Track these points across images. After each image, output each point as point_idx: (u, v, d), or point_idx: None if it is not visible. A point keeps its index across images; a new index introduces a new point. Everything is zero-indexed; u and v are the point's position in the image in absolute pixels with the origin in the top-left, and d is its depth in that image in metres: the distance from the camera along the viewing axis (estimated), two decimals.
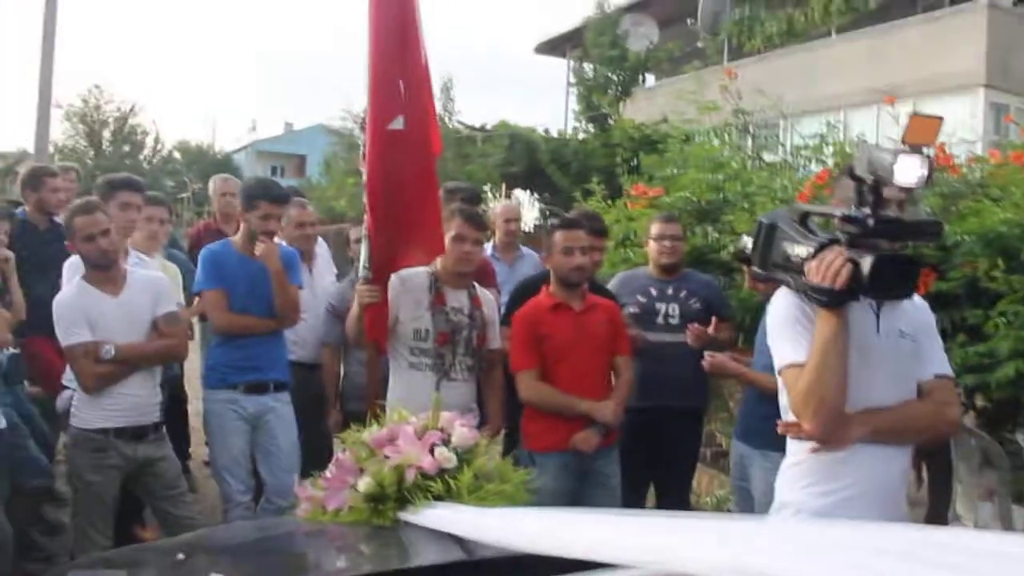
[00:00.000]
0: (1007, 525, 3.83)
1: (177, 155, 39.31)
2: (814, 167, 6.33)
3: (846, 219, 2.24)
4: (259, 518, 4.21)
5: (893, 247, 2.28)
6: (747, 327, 4.87)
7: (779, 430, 2.42)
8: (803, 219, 2.44)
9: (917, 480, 4.34)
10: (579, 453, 4.03)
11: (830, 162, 5.99)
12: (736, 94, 6.88)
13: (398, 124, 3.84)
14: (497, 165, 15.34)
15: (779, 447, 3.64)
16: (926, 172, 2.13)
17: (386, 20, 3.83)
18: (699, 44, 18.75)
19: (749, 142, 7.15)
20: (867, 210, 2.21)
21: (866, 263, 2.17)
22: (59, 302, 3.97)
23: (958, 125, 7.26)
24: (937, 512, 4.15)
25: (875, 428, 2.34)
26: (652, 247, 4.83)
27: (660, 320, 4.68)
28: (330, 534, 2.68)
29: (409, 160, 3.89)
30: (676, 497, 4.73)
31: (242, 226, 4.54)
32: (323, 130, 29.12)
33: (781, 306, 2.45)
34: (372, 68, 3.86)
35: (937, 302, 3.46)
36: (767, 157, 7.03)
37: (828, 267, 2.18)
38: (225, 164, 37.38)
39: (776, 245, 2.43)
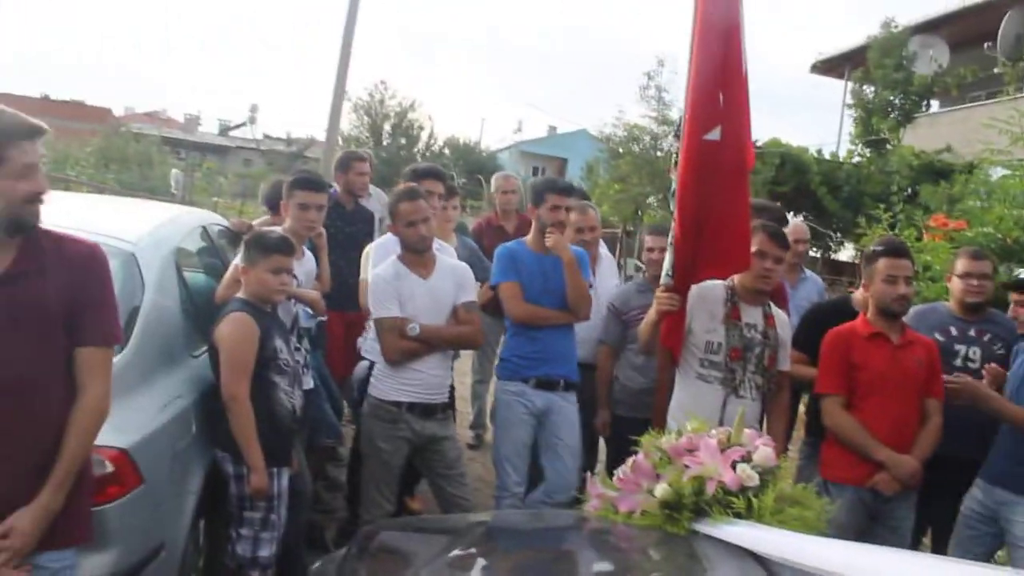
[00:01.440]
0: None
1: (446, 151, 41.03)
2: None
3: None
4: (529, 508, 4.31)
5: None
6: None
7: None
8: None
9: None
10: (876, 491, 3.86)
11: None
12: None
13: (715, 135, 3.79)
14: (765, 183, 14.93)
15: None
16: None
17: (711, 30, 3.80)
18: (996, 70, 17.39)
19: None
20: None
21: None
22: (376, 277, 4.25)
23: None
24: None
25: None
26: (956, 284, 4.53)
27: (958, 362, 4.38)
28: (622, 535, 2.70)
29: (722, 172, 3.83)
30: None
31: (533, 224, 4.65)
32: (586, 136, 29.53)
33: None
34: (694, 76, 3.83)
35: None
36: None
37: None
38: (490, 162, 38.76)
39: None
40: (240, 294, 3.78)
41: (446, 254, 4.61)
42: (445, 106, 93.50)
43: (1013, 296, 4.13)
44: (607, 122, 24.28)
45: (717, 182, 3.85)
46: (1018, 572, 2.23)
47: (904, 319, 4.41)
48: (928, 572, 2.14)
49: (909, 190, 13.63)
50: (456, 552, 2.49)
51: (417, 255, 4.24)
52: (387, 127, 37.89)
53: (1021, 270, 4.12)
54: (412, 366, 4.17)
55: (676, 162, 3.95)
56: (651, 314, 4.07)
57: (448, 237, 5.19)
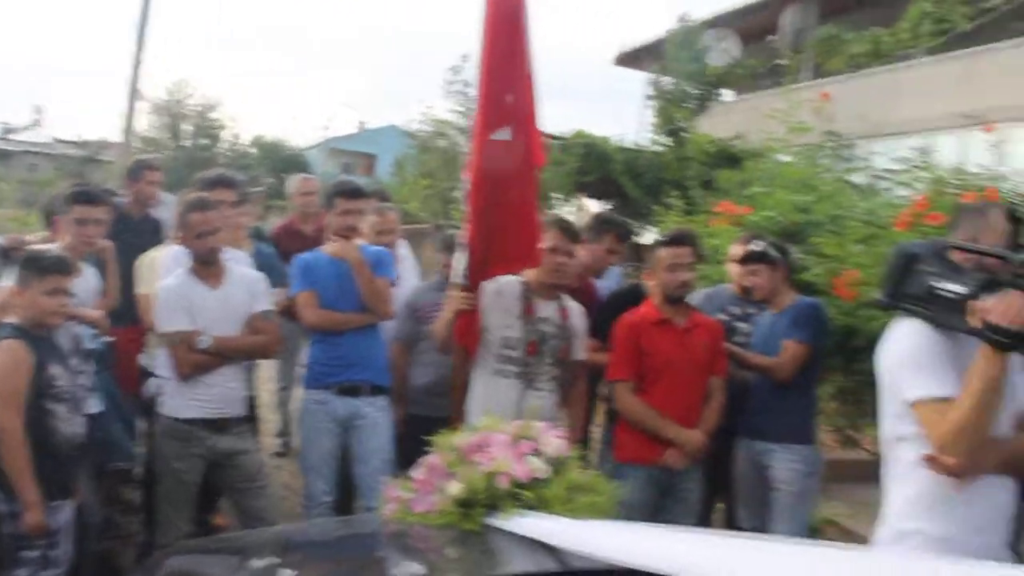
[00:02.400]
0: None
1: (253, 150, 39.58)
2: (901, 191, 6.24)
3: None
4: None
5: None
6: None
7: (922, 463, 2.33)
8: (941, 253, 2.39)
9: None
10: (666, 468, 4.05)
11: (920, 187, 5.89)
12: (828, 115, 6.79)
13: (504, 134, 3.85)
14: (570, 174, 15.31)
15: (800, 440, 4.21)
16: None
17: (498, 31, 3.84)
18: (780, 61, 18.50)
19: (838, 164, 7.04)
20: None
21: None
22: (163, 290, 4.08)
23: None
24: None
25: (1002, 460, 2.31)
26: (734, 268, 4.77)
27: (739, 339, 4.64)
28: (417, 536, 2.70)
29: (512, 170, 3.89)
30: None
31: (327, 229, 4.57)
32: (396, 131, 29.19)
33: (915, 337, 2.37)
34: (482, 77, 3.88)
35: None
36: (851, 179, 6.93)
37: (1015, 310, 2.12)
38: (297, 160, 37.62)
39: (915, 277, 2.37)
40: (11, 318, 3.52)
41: (239, 262, 4.47)
42: (253, 105, 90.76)
43: (748, 267, 4.45)
44: (415, 118, 24.19)
45: (507, 181, 3.90)
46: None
47: (694, 301, 4.62)
48: (691, 543, 2.26)
49: (707, 176, 14.30)
50: (245, 571, 2.41)
51: (207, 266, 4.11)
52: (187, 127, 36.21)
53: (753, 244, 4.46)
54: (205, 380, 4.03)
55: (467, 162, 3.98)
56: (446, 313, 4.09)
57: (241, 244, 5.02)
